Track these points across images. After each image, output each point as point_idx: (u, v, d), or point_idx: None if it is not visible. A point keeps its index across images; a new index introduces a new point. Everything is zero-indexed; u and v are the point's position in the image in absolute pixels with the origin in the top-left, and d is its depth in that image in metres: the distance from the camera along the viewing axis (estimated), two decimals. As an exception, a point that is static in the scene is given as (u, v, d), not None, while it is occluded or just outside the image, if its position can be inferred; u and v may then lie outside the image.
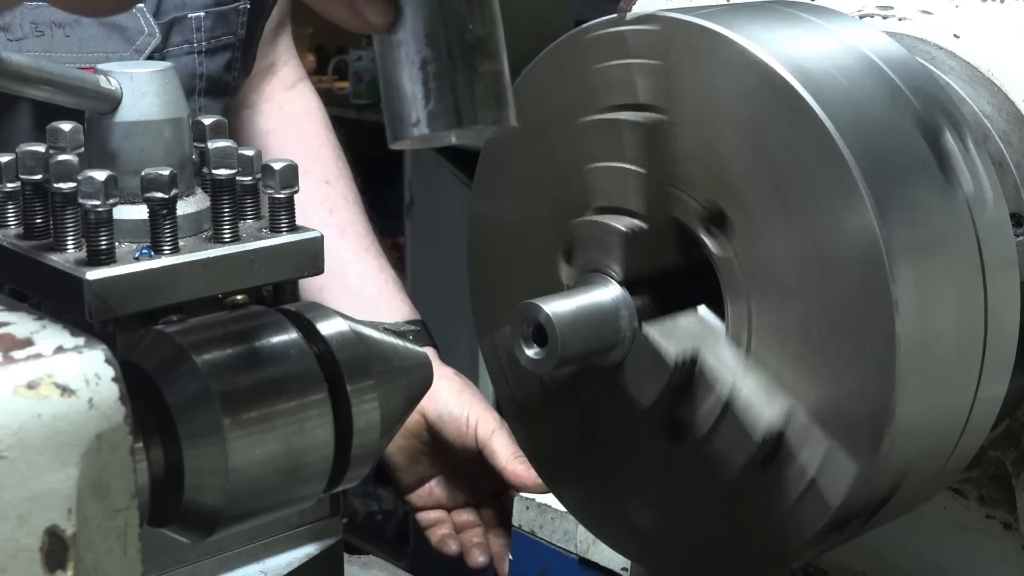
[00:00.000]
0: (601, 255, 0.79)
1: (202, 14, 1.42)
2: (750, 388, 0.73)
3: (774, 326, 0.74)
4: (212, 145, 0.79)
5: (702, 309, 0.78)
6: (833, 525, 0.74)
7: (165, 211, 0.75)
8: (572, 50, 0.82)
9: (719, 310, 0.77)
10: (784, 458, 0.73)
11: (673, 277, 0.79)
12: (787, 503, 0.74)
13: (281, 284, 0.80)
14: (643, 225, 0.77)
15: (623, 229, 0.77)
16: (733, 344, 0.75)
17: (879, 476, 0.72)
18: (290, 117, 1.67)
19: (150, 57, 1.33)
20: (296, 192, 0.80)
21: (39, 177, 0.77)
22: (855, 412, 0.71)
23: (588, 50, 0.80)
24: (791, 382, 0.73)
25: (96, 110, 0.78)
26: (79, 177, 0.73)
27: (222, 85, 1.47)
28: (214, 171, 0.78)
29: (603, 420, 0.84)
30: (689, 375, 0.75)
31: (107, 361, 0.56)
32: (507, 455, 1.37)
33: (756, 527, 0.77)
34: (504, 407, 0.93)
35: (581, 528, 1.18)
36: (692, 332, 0.76)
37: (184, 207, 0.79)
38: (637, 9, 1.00)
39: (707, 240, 0.76)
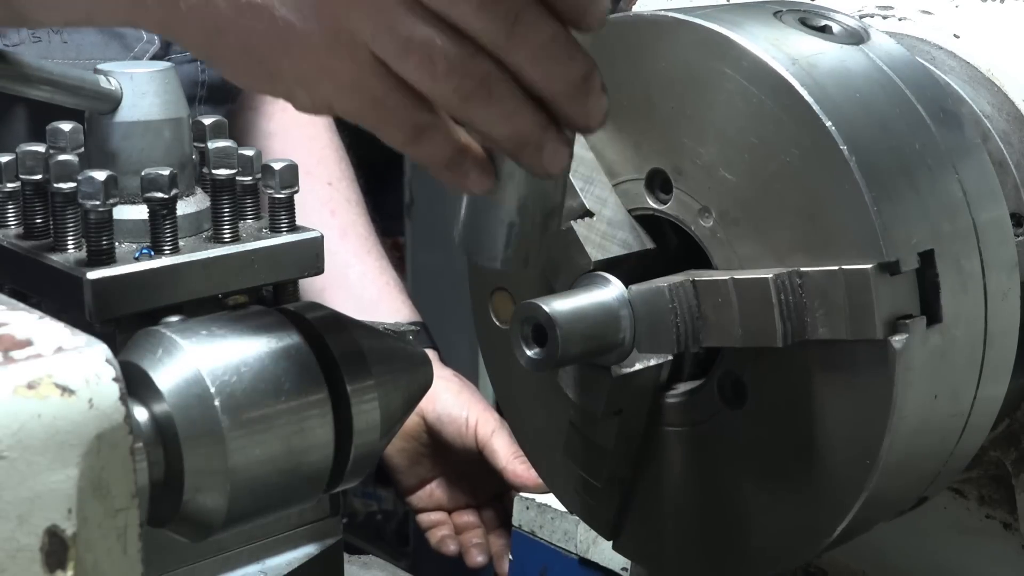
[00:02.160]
0: (576, 255, 0.80)
1: None
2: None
3: (758, 245, 0.75)
4: (212, 145, 0.79)
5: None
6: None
7: (165, 211, 0.75)
8: None
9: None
10: None
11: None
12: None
13: (281, 284, 0.80)
14: (605, 219, 0.80)
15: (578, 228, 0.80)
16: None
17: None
18: (293, 118, 1.66)
19: (149, 63, 1.33)
20: (296, 192, 0.80)
21: (39, 177, 0.77)
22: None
23: None
24: None
25: (96, 110, 0.78)
26: (79, 177, 0.73)
27: (223, 91, 1.46)
28: (214, 171, 0.78)
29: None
30: None
31: (107, 361, 0.56)
32: (507, 455, 1.37)
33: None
34: (501, 402, 0.93)
35: (581, 528, 1.18)
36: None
37: (184, 207, 0.79)
38: (637, 9, 1.01)
39: (652, 202, 0.79)
